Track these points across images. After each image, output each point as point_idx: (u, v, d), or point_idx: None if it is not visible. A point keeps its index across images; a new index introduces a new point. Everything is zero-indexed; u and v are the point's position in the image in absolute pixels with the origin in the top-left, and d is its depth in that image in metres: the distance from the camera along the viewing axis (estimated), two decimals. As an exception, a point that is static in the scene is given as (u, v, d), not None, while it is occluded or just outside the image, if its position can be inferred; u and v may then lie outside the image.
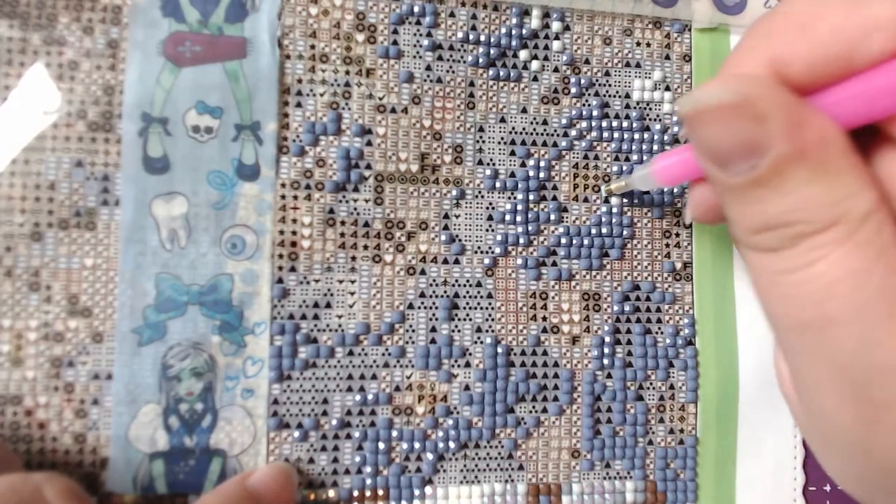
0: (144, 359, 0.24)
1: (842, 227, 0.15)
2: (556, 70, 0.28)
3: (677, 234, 0.28)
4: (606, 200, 0.28)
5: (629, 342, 0.27)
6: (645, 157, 0.28)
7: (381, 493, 0.25)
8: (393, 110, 0.27)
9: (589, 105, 0.28)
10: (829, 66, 0.15)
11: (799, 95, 0.15)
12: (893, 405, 0.15)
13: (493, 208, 0.27)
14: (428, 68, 0.27)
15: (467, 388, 0.26)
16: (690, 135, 0.16)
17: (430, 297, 0.26)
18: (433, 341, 0.26)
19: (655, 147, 0.28)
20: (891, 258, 0.15)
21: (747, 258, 0.17)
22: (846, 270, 0.15)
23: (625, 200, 0.28)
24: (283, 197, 0.26)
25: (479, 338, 0.27)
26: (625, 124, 0.28)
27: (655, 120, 0.28)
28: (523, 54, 0.27)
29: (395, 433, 0.26)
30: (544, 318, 0.27)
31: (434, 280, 0.26)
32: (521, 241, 0.27)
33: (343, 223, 0.26)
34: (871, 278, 0.14)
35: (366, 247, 0.26)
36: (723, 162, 0.16)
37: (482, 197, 0.27)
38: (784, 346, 0.17)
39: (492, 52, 0.27)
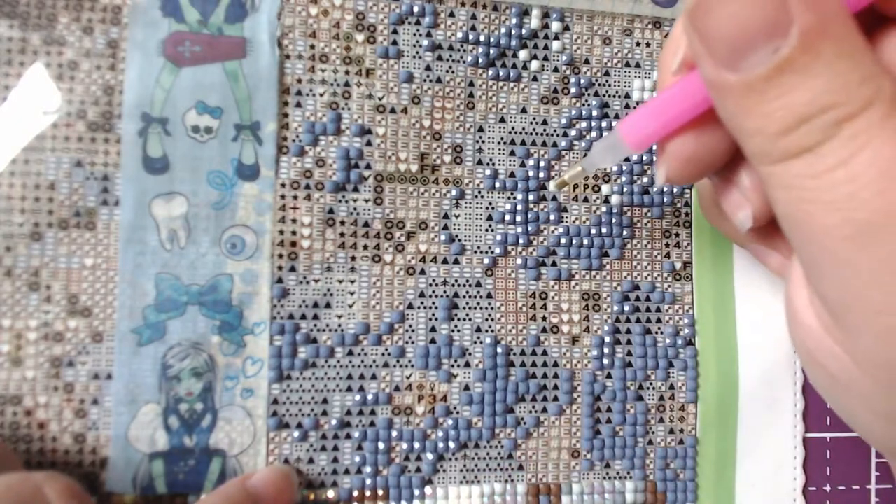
0: (144, 359, 0.24)
1: (877, 109, 0.14)
2: (555, 70, 0.28)
3: (677, 234, 0.28)
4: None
5: (629, 342, 0.27)
6: (644, 157, 0.28)
7: (380, 493, 0.25)
8: (393, 110, 0.27)
9: (589, 105, 0.28)
10: None
11: None
12: None
13: (492, 208, 0.27)
14: (427, 68, 0.27)
15: (467, 388, 0.26)
16: (698, 31, 0.15)
17: (430, 297, 0.26)
18: (433, 341, 0.26)
19: (654, 147, 0.28)
20: None
21: (777, 178, 0.15)
22: (894, 155, 0.14)
23: (625, 200, 0.28)
24: (282, 197, 0.26)
25: (478, 338, 0.27)
26: (624, 124, 0.28)
27: (655, 120, 0.28)
28: (523, 54, 0.27)
29: (394, 433, 0.26)
30: (544, 318, 0.27)
31: (434, 280, 0.26)
32: (521, 241, 0.27)
33: (343, 223, 0.26)
34: None
35: (365, 247, 0.26)
36: (738, 55, 0.14)
37: (482, 197, 0.27)
38: (829, 273, 0.15)
39: (491, 52, 0.27)
